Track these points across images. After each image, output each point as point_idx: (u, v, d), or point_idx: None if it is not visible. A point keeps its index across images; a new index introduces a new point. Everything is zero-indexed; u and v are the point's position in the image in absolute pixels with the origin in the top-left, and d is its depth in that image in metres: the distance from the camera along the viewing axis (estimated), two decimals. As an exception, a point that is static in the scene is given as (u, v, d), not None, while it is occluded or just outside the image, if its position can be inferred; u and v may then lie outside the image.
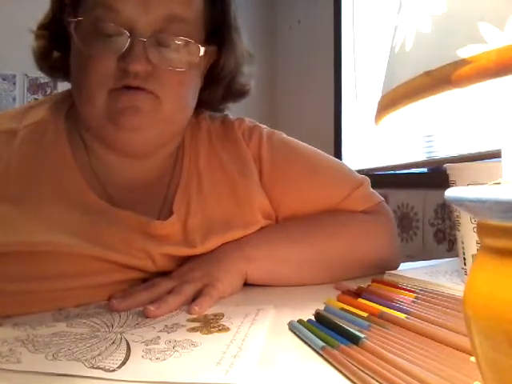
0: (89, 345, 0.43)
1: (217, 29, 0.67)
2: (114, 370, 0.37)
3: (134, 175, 0.67)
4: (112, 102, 0.58)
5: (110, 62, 0.57)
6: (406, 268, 0.74)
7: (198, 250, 0.64)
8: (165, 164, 0.69)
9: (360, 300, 0.54)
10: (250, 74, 0.73)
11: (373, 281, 0.64)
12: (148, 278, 0.62)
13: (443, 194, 0.25)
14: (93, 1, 0.58)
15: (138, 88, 0.58)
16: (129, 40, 0.56)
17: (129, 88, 0.58)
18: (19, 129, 0.62)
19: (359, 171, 0.80)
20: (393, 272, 0.68)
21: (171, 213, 0.65)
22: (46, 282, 0.56)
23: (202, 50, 0.62)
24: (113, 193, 0.64)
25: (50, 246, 0.56)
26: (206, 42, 0.64)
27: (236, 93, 0.74)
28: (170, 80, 0.59)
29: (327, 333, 0.43)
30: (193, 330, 0.47)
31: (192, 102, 0.66)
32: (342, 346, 0.39)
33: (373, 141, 2.14)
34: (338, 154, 2.30)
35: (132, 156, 0.65)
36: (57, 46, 0.66)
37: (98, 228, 0.60)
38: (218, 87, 0.71)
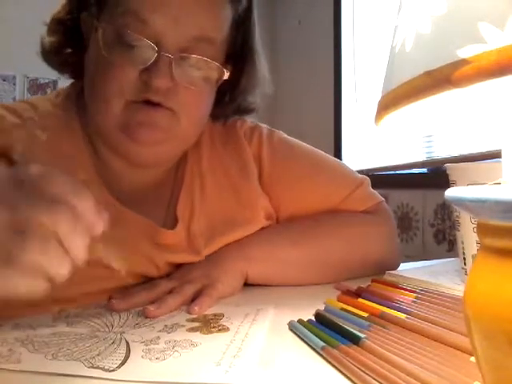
0: (88, 345, 0.43)
1: (238, 51, 0.66)
2: (113, 370, 0.37)
3: (139, 181, 0.66)
4: (129, 114, 0.57)
5: (131, 73, 0.56)
6: (406, 268, 0.74)
7: (203, 254, 0.64)
8: (169, 168, 0.69)
9: (360, 300, 0.54)
10: (259, 93, 0.72)
11: (373, 281, 0.64)
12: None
13: (443, 194, 0.25)
14: (123, 7, 0.56)
15: (156, 104, 0.57)
16: (156, 54, 0.55)
17: (147, 102, 0.56)
18: (36, 119, 0.61)
19: (359, 171, 0.80)
20: (393, 272, 0.68)
21: (176, 216, 0.65)
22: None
23: (227, 74, 0.62)
24: (118, 195, 0.63)
25: None
26: (225, 61, 0.63)
27: (243, 110, 0.73)
28: (188, 97, 0.58)
29: (327, 333, 0.43)
30: (192, 330, 0.47)
31: (206, 118, 0.65)
32: (342, 345, 0.39)
33: (373, 141, 2.14)
34: (338, 153, 2.30)
35: (141, 166, 0.65)
36: (70, 42, 0.65)
37: (108, 230, 0.59)
38: (230, 105, 0.71)
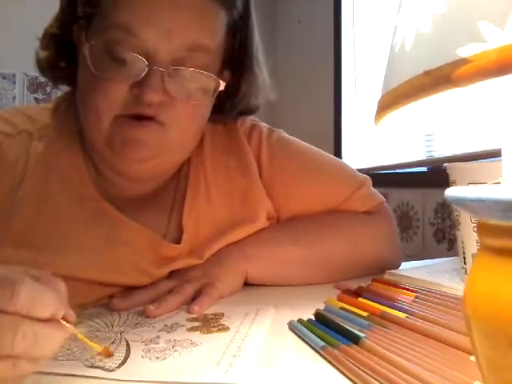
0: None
1: (235, 57, 0.64)
2: (113, 370, 0.37)
3: (139, 191, 0.65)
4: (118, 130, 0.55)
5: (122, 87, 0.54)
6: (406, 267, 0.74)
7: (205, 258, 0.64)
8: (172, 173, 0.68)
9: (360, 299, 0.54)
10: (261, 98, 0.70)
11: (373, 280, 0.64)
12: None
13: (443, 193, 0.24)
14: (112, 21, 0.54)
15: (147, 118, 0.55)
16: (147, 68, 0.53)
17: (137, 117, 0.55)
18: (33, 132, 0.61)
19: (359, 170, 0.80)
20: (393, 271, 0.68)
21: (180, 225, 0.64)
22: None
23: (223, 84, 0.59)
24: (119, 206, 0.62)
25: (65, 269, 0.54)
26: (222, 68, 0.62)
27: (244, 113, 0.72)
28: (183, 110, 0.56)
29: (327, 332, 0.43)
30: (192, 329, 0.47)
31: (201, 128, 0.63)
32: (342, 345, 0.39)
33: (373, 140, 2.14)
34: (337, 153, 2.30)
35: (136, 181, 0.64)
36: (64, 56, 0.63)
37: (111, 246, 0.59)
38: (231, 112, 0.69)
